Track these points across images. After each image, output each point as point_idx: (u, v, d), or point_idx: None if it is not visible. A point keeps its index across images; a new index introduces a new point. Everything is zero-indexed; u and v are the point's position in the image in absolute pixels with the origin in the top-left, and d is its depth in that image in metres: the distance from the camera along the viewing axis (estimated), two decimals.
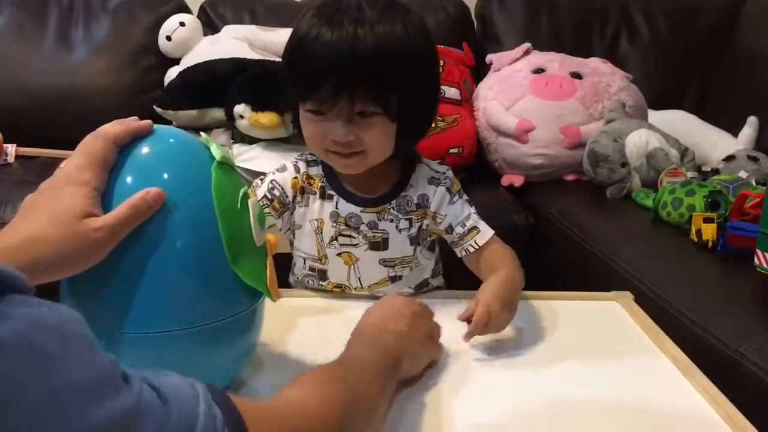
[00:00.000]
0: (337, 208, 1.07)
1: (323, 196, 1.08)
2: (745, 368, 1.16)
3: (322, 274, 1.11)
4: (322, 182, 1.08)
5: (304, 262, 1.12)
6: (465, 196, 1.11)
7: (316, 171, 1.09)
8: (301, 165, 1.10)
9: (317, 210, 1.08)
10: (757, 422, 0.78)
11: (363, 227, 1.07)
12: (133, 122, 0.74)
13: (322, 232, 1.09)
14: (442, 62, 2.32)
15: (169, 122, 2.21)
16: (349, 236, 1.08)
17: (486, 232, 1.09)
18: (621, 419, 0.80)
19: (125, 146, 0.75)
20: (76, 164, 0.70)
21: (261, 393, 0.82)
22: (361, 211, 1.07)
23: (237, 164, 2.15)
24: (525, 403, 0.83)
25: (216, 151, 0.77)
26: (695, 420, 0.80)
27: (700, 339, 1.27)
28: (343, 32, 0.93)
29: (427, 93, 1.04)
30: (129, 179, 0.72)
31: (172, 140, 0.77)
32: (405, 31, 0.96)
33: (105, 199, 0.72)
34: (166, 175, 0.73)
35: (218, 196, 0.75)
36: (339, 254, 1.09)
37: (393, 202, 1.07)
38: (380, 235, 1.08)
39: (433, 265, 1.15)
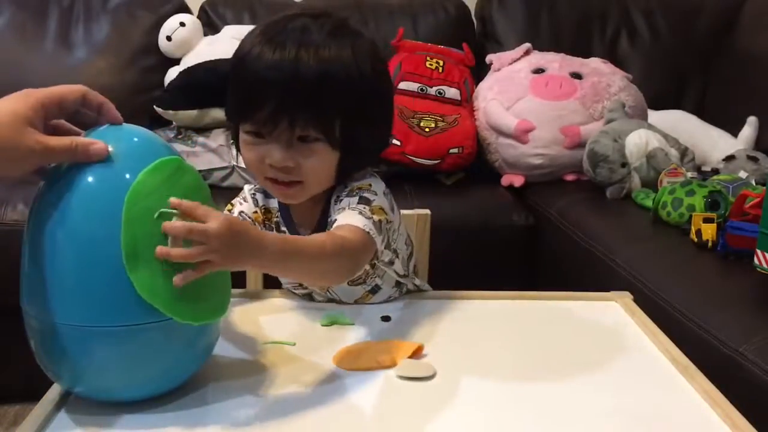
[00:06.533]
0: None
1: (278, 232, 1.04)
2: (745, 368, 1.16)
3: (309, 296, 1.08)
4: (277, 217, 1.05)
5: (289, 290, 1.10)
6: (361, 195, 0.97)
7: (273, 204, 1.05)
8: (259, 197, 1.06)
9: None
10: (757, 422, 0.78)
11: None
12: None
13: None
14: (442, 62, 2.32)
15: (169, 122, 2.22)
16: None
17: (343, 224, 0.93)
18: (620, 420, 0.80)
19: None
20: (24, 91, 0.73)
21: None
22: None
23: (237, 165, 2.17)
24: (524, 403, 0.83)
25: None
26: (695, 420, 0.80)
27: (700, 339, 1.27)
28: (285, 53, 0.90)
29: (375, 121, 0.98)
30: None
31: (136, 139, 0.78)
32: (352, 56, 0.92)
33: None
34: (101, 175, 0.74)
35: (130, 202, 0.73)
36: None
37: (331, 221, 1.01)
38: None
39: (397, 265, 1.07)
